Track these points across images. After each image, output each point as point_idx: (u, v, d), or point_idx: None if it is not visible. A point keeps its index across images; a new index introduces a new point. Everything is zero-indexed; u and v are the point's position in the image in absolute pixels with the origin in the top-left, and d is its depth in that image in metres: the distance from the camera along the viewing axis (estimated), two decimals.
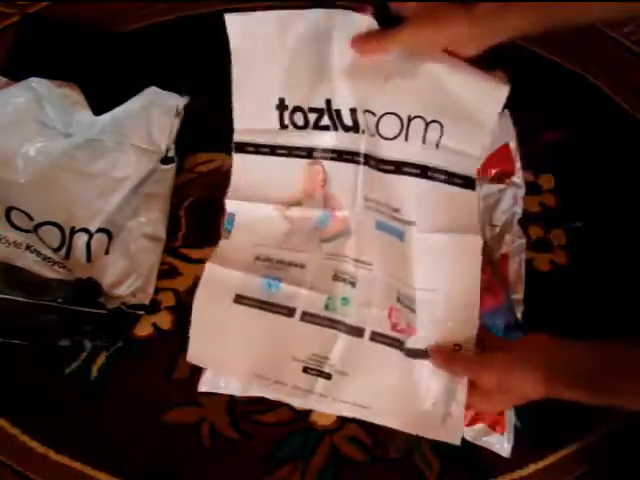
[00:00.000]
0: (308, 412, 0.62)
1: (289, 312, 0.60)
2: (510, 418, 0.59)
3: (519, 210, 0.69)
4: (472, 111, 0.56)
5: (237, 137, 0.64)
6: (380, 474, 0.60)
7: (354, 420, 0.61)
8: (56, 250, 0.68)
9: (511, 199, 0.68)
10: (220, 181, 0.73)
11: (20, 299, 0.63)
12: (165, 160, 0.74)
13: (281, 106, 0.62)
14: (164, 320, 0.67)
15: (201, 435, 0.61)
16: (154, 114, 0.73)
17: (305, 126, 0.62)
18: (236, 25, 0.61)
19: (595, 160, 0.77)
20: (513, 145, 0.70)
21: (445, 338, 0.56)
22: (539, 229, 0.73)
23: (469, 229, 0.56)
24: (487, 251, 0.65)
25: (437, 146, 0.57)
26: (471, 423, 0.58)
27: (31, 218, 0.69)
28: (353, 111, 0.60)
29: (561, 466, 0.60)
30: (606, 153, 0.78)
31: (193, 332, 0.61)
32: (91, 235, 0.69)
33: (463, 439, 0.59)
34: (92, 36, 0.83)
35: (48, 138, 0.72)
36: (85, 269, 0.67)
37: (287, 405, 0.61)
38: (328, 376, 0.58)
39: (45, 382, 0.63)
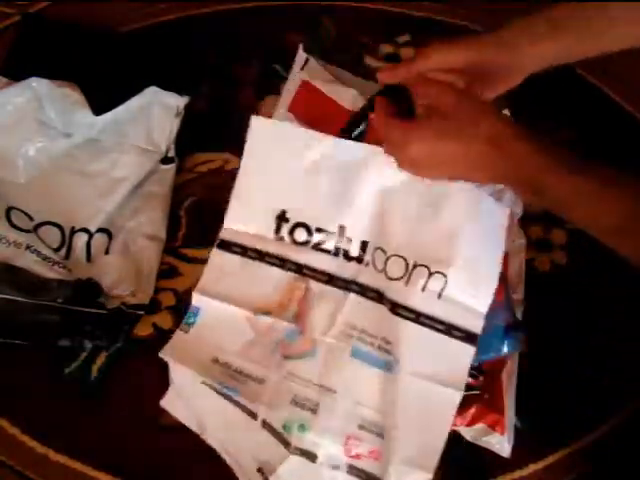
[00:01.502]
0: None
1: (252, 415, 0.58)
2: (510, 418, 0.59)
3: (519, 210, 0.69)
4: (477, 265, 0.57)
5: (224, 235, 0.64)
6: None
7: None
8: (56, 250, 0.68)
9: (511, 199, 0.68)
10: (220, 181, 0.73)
11: (20, 299, 0.63)
12: (165, 160, 0.74)
13: (282, 218, 0.63)
14: (164, 320, 0.67)
15: (201, 435, 0.61)
16: (154, 114, 0.73)
17: (305, 244, 0.62)
18: (260, 128, 0.62)
19: (595, 160, 0.77)
20: None
21: (399, 477, 0.55)
22: (539, 229, 0.73)
23: (454, 383, 0.55)
24: None
25: (439, 296, 0.56)
26: (471, 423, 0.58)
27: (31, 218, 0.69)
28: (364, 244, 0.60)
29: (561, 466, 0.60)
30: (607, 153, 0.78)
31: (172, 391, 0.61)
32: (91, 235, 0.69)
33: (463, 439, 0.59)
34: (92, 36, 0.83)
35: (48, 138, 0.72)
36: (85, 269, 0.67)
37: None
38: None
39: (45, 382, 0.63)
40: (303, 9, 0.92)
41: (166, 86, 0.74)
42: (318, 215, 0.62)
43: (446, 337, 0.56)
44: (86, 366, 0.64)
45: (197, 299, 0.63)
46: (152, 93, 0.73)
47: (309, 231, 0.62)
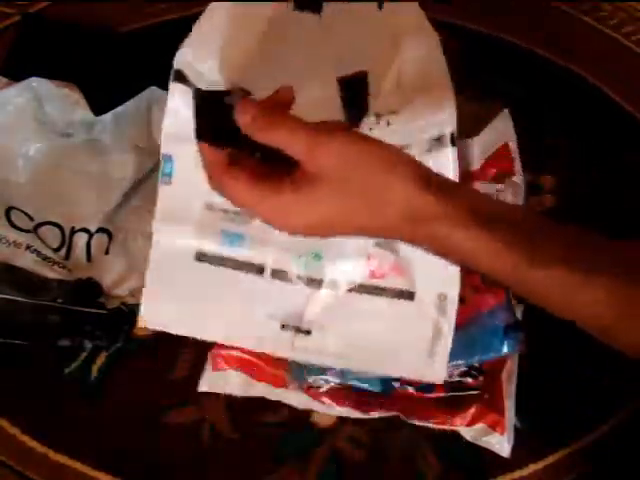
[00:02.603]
0: (308, 412, 0.62)
1: (258, 270, 0.55)
2: (510, 418, 0.59)
3: None
4: None
5: (180, 65, 0.55)
6: (380, 474, 0.60)
7: (354, 420, 0.61)
8: (56, 250, 0.68)
9: (511, 199, 0.68)
10: None
11: (20, 299, 0.63)
12: None
13: None
14: None
15: (201, 435, 0.61)
16: (154, 114, 0.73)
17: None
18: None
19: (595, 160, 0.77)
20: (513, 145, 0.70)
21: (428, 282, 0.54)
22: None
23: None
24: None
25: None
26: (471, 423, 0.58)
27: (31, 218, 0.69)
28: None
29: (561, 466, 0.60)
30: (607, 153, 0.78)
31: (148, 294, 0.56)
32: (91, 235, 0.69)
33: (463, 439, 0.59)
34: (92, 36, 0.83)
35: (48, 138, 0.72)
36: (85, 269, 0.67)
37: (287, 405, 0.61)
38: (307, 332, 0.56)
39: (45, 382, 0.63)
40: None
41: (166, 86, 0.74)
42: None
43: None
44: (86, 366, 0.64)
45: (168, 145, 0.56)
46: (152, 93, 0.73)
47: None
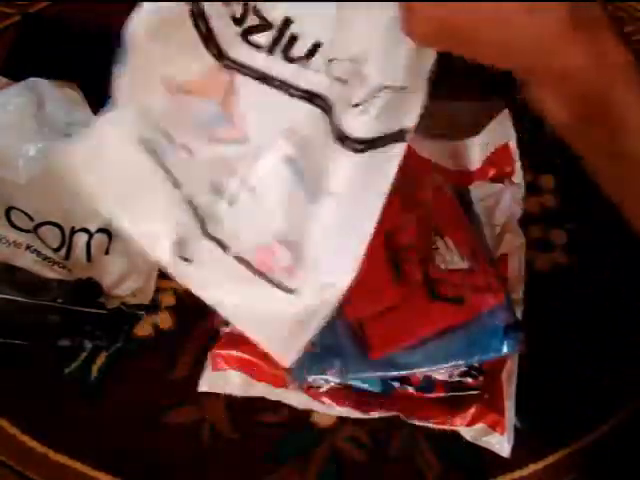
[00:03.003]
0: (308, 412, 0.62)
1: (176, 184, 0.51)
2: (510, 418, 0.59)
3: (519, 210, 0.69)
4: None
5: None
6: (380, 474, 0.60)
7: (354, 420, 0.61)
8: (56, 250, 0.68)
9: (511, 199, 0.69)
10: None
11: (20, 299, 0.63)
12: None
13: None
14: (164, 320, 0.67)
15: (201, 435, 0.61)
16: None
17: (239, 23, 0.50)
18: None
19: None
20: (513, 145, 0.70)
21: (314, 287, 0.50)
22: (539, 229, 0.73)
23: None
24: (487, 249, 0.65)
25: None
26: (471, 423, 0.58)
27: (31, 218, 0.69)
28: (316, 46, 0.49)
29: (561, 466, 0.60)
30: None
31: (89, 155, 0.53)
32: (91, 235, 0.69)
33: (463, 439, 0.59)
34: (92, 36, 0.83)
35: (48, 138, 0.72)
36: (85, 269, 0.67)
37: (287, 405, 0.61)
38: (187, 260, 0.52)
39: (45, 382, 0.63)
40: None
41: None
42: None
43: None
44: (86, 366, 0.64)
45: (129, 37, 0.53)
46: None
47: (245, 9, 0.50)
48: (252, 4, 0.49)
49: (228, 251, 0.51)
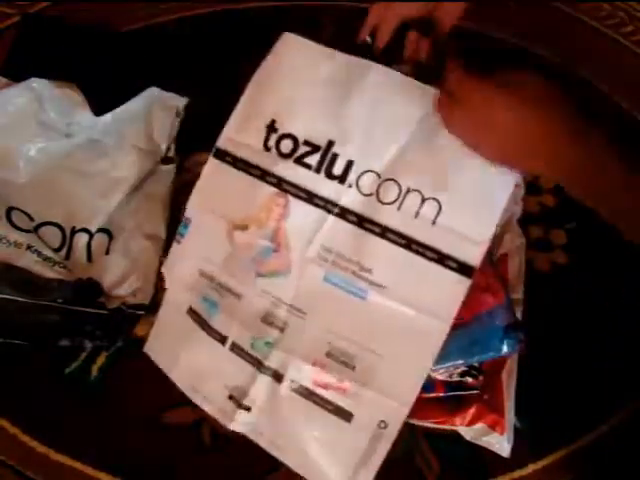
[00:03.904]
0: None
1: (222, 339, 0.59)
2: (510, 418, 0.59)
3: (519, 210, 0.69)
4: (479, 195, 0.54)
5: (221, 143, 0.62)
6: (380, 474, 0.60)
7: None
8: (56, 250, 0.68)
9: (511, 199, 0.68)
10: None
11: (20, 299, 0.63)
12: (165, 160, 0.74)
13: (271, 127, 0.60)
14: None
15: (201, 435, 0.61)
16: (154, 114, 0.73)
17: (289, 155, 0.59)
18: (288, 43, 0.62)
19: None
20: None
21: (372, 409, 0.55)
22: (539, 229, 0.73)
23: (441, 315, 0.53)
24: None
25: (433, 223, 0.54)
26: (471, 423, 0.58)
27: (31, 218, 0.69)
28: (350, 163, 0.57)
29: (561, 466, 0.60)
30: None
31: (155, 330, 0.64)
32: (91, 235, 0.69)
33: (463, 439, 0.59)
34: (92, 36, 0.83)
35: (48, 138, 0.72)
36: (85, 269, 0.67)
37: None
38: (247, 409, 0.58)
39: (45, 382, 0.63)
40: (303, 9, 0.92)
41: (166, 86, 0.74)
42: (309, 127, 0.59)
43: (438, 267, 0.54)
44: (86, 366, 0.64)
45: (190, 210, 0.63)
46: (152, 93, 0.73)
47: (296, 143, 0.59)
48: (302, 138, 0.59)
49: (284, 380, 0.57)
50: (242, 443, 0.60)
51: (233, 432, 0.60)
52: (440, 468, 0.59)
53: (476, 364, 0.59)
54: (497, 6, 0.90)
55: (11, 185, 0.70)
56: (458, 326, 0.57)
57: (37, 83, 0.71)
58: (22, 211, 0.69)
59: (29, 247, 0.66)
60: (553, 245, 0.73)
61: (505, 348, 0.59)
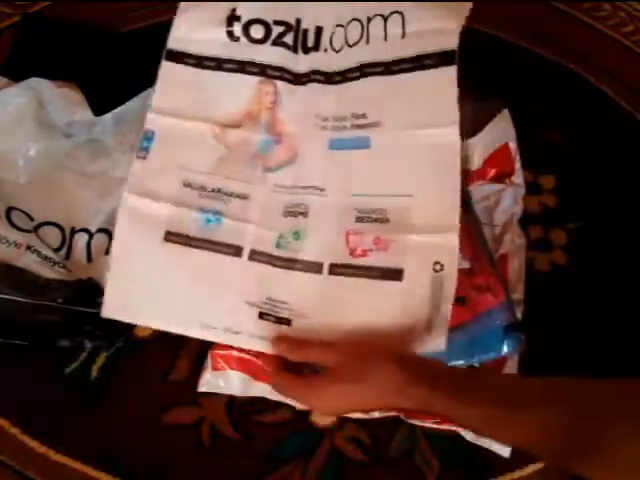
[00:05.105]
0: (308, 412, 0.62)
1: (236, 251, 0.53)
2: None
3: (519, 210, 0.69)
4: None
5: (172, 44, 0.58)
6: (380, 474, 0.60)
7: (354, 420, 0.61)
8: (56, 250, 0.68)
9: (511, 199, 0.68)
10: None
11: (20, 299, 0.63)
12: None
13: (232, 17, 0.57)
14: None
15: (201, 435, 0.61)
16: None
17: (264, 40, 0.56)
18: None
19: (595, 160, 0.77)
20: (513, 145, 0.70)
21: (424, 252, 0.50)
22: (539, 229, 0.73)
23: (446, 121, 0.51)
24: (488, 250, 0.65)
25: (403, 36, 0.54)
26: None
27: (31, 218, 0.69)
28: (319, 30, 0.57)
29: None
30: (606, 153, 0.78)
31: (112, 281, 0.54)
32: (91, 235, 0.69)
33: (463, 439, 0.59)
34: (92, 36, 0.83)
35: (48, 138, 0.72)
36: (85, 269, 0.67)
37: (287, 405, 0.61)
38: (287, 322, 0.53)
39: (45, 382, 0.63)
40: None
41: None
42: (271, 7, 0.57)
43: (419, 72, 0.53)
44: (86, 366, 0.64)
45: (150, 121, 0.58)
46: (152, 93, 0.73)
47: (266, 25, 0.57)
48: (270, 20, 0.57)
49: (323, 268, 0.52)
50: (242, 443, 0.60)
51: (233, 432, 0.60)
52: (440, 468, 0.59)
53: (476, 364, 0.59)
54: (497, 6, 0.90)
55: (11, 185, 0.70)
56: (458, 326, 0.58)
57: (37, 83, 0.71)
58: (22, 211, 0.69)
59: (29, 247, 0.66)
60: (553, 245, 0.73)
61: (505, 348, 0.59)
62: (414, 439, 0.60)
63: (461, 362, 0.59)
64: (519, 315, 0.63)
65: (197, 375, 0.62)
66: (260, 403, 0.61)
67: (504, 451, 0.59)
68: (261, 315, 0.53)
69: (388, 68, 0.53)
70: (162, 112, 0.57)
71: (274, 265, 0.53)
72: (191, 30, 0.58)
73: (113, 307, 0.54)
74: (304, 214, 0.54)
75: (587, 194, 0.75)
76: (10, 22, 0.88)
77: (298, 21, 0.57)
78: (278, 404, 0.61)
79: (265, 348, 0.53)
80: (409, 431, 0.60)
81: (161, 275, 0.53)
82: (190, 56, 0.58)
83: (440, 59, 0.52)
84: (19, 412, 0.62)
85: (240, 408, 0.62)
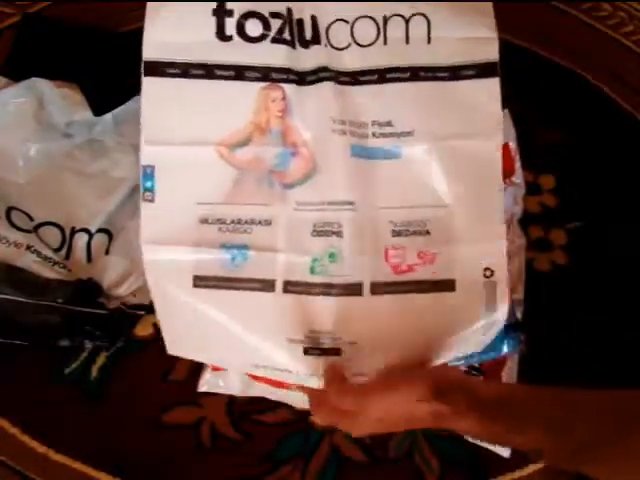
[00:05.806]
0: (308, 412, 0.62)
1: (267, 286, 0.49)
2: None
3: (519, 210, 0.69)
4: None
5: (149, 53, 0.49)
6: (380, 474, 0.60)
7: None
8: (56, 250, 0.68)
9: (511, 199, 0.68)
10: None
11: (20, 299, 0.63)
12: None
13: (221, 11, 0.49)
14: None
15: (201, 435, 0.61)
16: None
17: (262, 37, 0.49)
18: None
19: (595, 160, 0.77)
20: (513, 145, 0.69)
21: (473, 260, 0.48)
22: (539, 229, 0.73)
23: (486, 132, 0.47)
24: None
25: (429, 41, 0.48)
26: None
27: (31, 218, 0.69)
28: (314, 19, 0.49)
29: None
30: (606, 153, 0.78)
31: (164, 324, 0.51)
32: (91, 235, 0.69)
33: (463, 439, 0.59)
34: (92, 36, 0.83)
35: (48, 138, 0.72)
36: (85, 269, 0.67)
37: (287, 405, 0.61)
38: (336, 351, 0.49)
39: (45, 382, 0.63)
40: None
41: None
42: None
43: (456, 82, 0.48)
44: (86, 366, 0.64)
45: (146, 154, 0.49)
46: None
47: (264, 19, 0.49)
48: (266, 12, 0.50)
49: (364, 289, 0.48)
50: (242, 443, 0.60)
51: (233, 432, 0.60)
52: (440, 468, 0.59)
53: (476, 364, 0.59)
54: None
55: (11, 185, 0.70)
56: None
57: (37, 83, 0.71)
58: (22, 211, 0.69)
59: (29, 247, 0.66)
60: (553, 245, 0.73)
61: (505, 348, 0.58)
62: (414, 439, 0.60)
63: (461, 362, 0.58)
64: (519, 315, 0.63)
65: (197, 375, 0.62)
66: (260, 403, 0.61)
67: (504, 451, 0.59)
68: (306, 351, 0.49)
69: (416, 75, 0.48)
70: (155, 142, 0.49)
71: (310, 293, 0.49)
72: (168, 32, 0.49)
73: (174, 346, 0.52)
74: (337, 233, 0.49)
75: (587, 194, 0.75)
76: (10, 22, 0.88)
77: (289, 10, 0.49)
78: (278, 404, 0.61)
79: (318, 384, 0.50)
80: (409, 431, 0.60)
81: (201, 321, 0.50)
82: (172, 65, 0.49)
83: (481, 70, 0.48)
84: (19, 412, 0.62)
85: (240, 408, 0.62)
